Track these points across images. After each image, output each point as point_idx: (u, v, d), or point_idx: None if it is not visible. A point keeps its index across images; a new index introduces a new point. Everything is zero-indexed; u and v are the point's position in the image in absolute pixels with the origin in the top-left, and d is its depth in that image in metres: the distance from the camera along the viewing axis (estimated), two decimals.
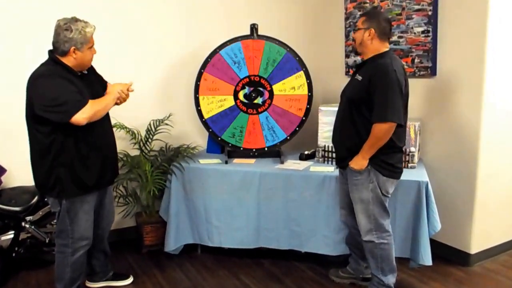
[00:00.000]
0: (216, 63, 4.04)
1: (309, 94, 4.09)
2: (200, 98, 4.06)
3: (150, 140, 4.15)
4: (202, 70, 4.05)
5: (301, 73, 4.06)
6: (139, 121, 4.24)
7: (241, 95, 4.07)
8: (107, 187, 3.24)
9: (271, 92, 4.08)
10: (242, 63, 4.05)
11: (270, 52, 4.04)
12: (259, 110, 4.10)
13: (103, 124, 3.03)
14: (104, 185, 3.14)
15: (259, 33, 4.08)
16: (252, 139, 4.13)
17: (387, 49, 3.01)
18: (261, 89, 4.08)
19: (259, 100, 4.09)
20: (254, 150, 4.13)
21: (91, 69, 3.08)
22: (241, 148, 4.13)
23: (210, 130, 4.11)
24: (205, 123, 4.09)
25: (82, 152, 2.90)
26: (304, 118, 4.11)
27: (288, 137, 4.13)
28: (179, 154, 4.09)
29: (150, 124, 4.17)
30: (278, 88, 4.08)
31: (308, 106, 4.10)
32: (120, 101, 3.12)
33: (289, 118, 4.10)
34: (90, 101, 2.82)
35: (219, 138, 4.12)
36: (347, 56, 4.69)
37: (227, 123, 4.10)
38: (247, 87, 4.07)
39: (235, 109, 4.09)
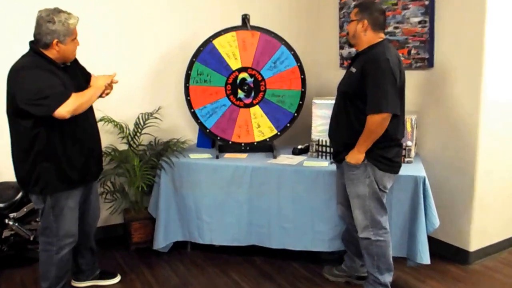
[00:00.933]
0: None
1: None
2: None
3: (138, 134, 4.08)
4: (194, 59, 3.95)
5: (295, 67, 3.98)
6: (127, 114, 4.16)
7: (241, 92, 4.01)
8: (92, 182, 3.18)
9: (260, 85, 4.00)
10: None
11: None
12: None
13: (87, 118, 2.98)
14: (90, 179, 3.10)
15: (251, 23, 3.98)
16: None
17: (381, 39, 2.94)
18: (241, 76, 3.99)
19: (250, 82, 3.99)
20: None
21: (74, 61, 3.02)
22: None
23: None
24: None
25: (66, 146, 2.85)
26: (296, 114, 4.02)
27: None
28: (169, 148, 4.01)
29: (138, 118, 4.10)
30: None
31: (300, 102, 4.01)
32: (104, 94, 3.07)
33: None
34: (74, 94, 2.76)
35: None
36: (341, 47, 4.61)
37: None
38: (238, 92, 3.99)
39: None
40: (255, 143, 4.05)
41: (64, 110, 2.68)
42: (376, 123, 2.78)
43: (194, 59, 3.94)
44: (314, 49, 4.90)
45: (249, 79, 4.00)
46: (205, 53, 3.94)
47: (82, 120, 2.90)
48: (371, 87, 2.76)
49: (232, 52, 3.96)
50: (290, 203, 3.59)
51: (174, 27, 4.34)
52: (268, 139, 4.04)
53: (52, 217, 2.92)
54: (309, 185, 3.53)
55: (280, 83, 4.00)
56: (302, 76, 3.99)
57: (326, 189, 3.49)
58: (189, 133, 4.49)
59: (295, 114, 4.01)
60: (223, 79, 3.97)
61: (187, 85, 3.96)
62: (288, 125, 4.04)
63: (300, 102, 4.01)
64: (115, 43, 4.11)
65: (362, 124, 2.85)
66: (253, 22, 4.03)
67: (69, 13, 2.81)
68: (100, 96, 3.03)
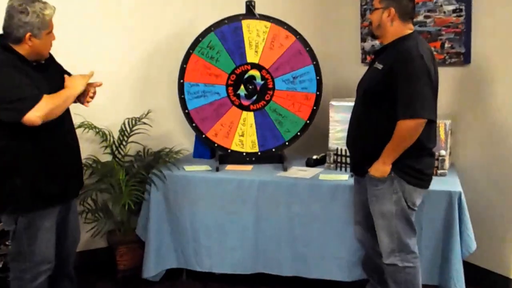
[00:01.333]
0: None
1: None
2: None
3: (124, 142, 4.19)
4: (182, 81, 4.09)
5: (311, 67, 4.13)
6: (111, 119, 4.27)
7: (245, 101, 4.15)
8: (71, 200, 3.25)
9: (267, 93, 4.15)
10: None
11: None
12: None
13: (64, 124, 3.05)
14: (68, 197, 3.17)
15: (260, 11, 4.12)
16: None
17: (411, 31, 3.05)
18: (247, 75, 4.14)
19: (259, 84, 4.13)
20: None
21: (49, 58, 3.08)
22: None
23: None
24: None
25: (40, 158, 2.91)
26: (308, 121, 4.17)
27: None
28: (160, 159, 4.13)
29: (124, 124, 4.20)
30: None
31: (314, 108, 4.15)
32: (85, 101, 3.15)
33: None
34: (45, 97, 2.81)
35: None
36: (363, 39, 4.72)
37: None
38: (239, 90, 4.14)
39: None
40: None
41: (35, 115, 2.74)
42: (409, 129, 2.87)
43: (191, 51, 4.06)
44: (331, 41, 4.97)
45: (259, 81, 4.14)
46: (228, 28, 4.07)
47: (58, 126, 2.96)
48: (403, 87, 2.85)
49: (256, 42, 4.10)
50: (304, 223, 3.70)
51: (167, 15, 4.47)
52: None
53: (25, 240, 2.97)
54: (326, 202, 3.65)
55: (288, 102, 4.16)
56: (318, 78, 4.14)
57: (346, 207, 3.59)
58: (184, 141, 4.60)
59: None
60: (231, 65, 4.11)
61: (190, 51, 4.06)
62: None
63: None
64: (96, 36, 4.25)
65: (389, 130, 2.93)
66: (260, 9, 4.15)
67: (44, 2, 2.87)
68: (80, 102, 3.13)
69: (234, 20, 4.08)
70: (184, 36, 4.36)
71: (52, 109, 2.82)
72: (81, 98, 3.16)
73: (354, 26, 4.82)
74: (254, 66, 4.12)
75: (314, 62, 4.13)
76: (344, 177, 3.77)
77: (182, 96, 4.10)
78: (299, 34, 4.13)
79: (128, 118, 4.25)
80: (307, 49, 4.13)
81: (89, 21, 4.21)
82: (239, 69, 4.12)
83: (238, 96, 4.15)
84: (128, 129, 4.19)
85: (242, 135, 4.17)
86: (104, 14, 4.27)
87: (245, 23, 4.08)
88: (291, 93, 4.15)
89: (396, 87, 2.87)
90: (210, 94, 4.12)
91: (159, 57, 4.50)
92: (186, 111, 4.12)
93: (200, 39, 4.07)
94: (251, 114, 4.17)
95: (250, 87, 4.15)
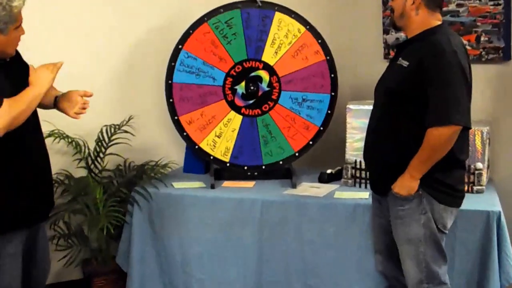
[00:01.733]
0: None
1: (332, 94, 4.23)
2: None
3: (102, 154, 4.24)
4: (180, 46, 4.18)
5: (314, 127, 4.26)
6: (86, 127, 4.25)
7: (240, 101, 4.25)
8: (39, 223, 3.28)
9: (268, 67, 4.23)
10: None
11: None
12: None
13: (32, 134, 3.09)
14: (36, 220, 3.20)
15: None
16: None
17: (440, 22, 3.11)
18: (254, 74, 4.23)
19: (263, 88, 4.23)
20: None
21: (15, 56, 3.12)
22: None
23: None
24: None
25: (5, 174, 2.96)
26: (321, 128, 4.25)
27: (297, 154, 4.27)
28: (144, 174, 4.20)
29: (102, 132, 4.26)
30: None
31: (329, 112, 4.24)
32: (74, 111, 3.17)
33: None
34: (6, 101, 2.84)
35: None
36: (385, 31, 4.74)
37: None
38: (237, 87, 4.23)
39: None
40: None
41: None
42: (442, 138, 2.91)
43: (180, 46, 4.15)
44: (348, 33, 4.97)
45: (264, 86, 4.24)
46: (257, 13, 4.19)
47: (23, 136, 2.98)
48: (435, 89, 2.90)
49: (281, 43, 4.20)
50: (316, 251, 3.77)
51: (152, 3, 4.55)
52: (281, 162, 4.27)
53: None
54: (342, 225, 3.71)
55: (285, 123, 4.26)
56: (333, 75, 4.23)
57: (367, 231, 3.65)
58: (172, 152, 4.66)
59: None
60: (243, 54, 4.21)
61: (205, 19, 4.15)
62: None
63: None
64: (67, 31, 4.33)
65: (416, 138, 2.98)
66: None
67: None
68: (64, 112, 3.17)
69: (267, 7, 4.18)
70: (173, 28, 4.41)
71: (15, 116, 2.84)
72: (63, 104, 3.19)
73: (375, 15, 4.83)
74: (267, 67, 4.22)
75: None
76: (364, 195, 3.81)
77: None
78: (330, 55, 4.23)
79: (106, 126, 4.30)
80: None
81: (59, 13, 4.29)
82: (248, 63, 4.21)
83: (234, 92, 4.23)
84: (106, 139, 4.24)
85: (219, 136, 4.25)
86: (76, 5, 4.35)
87: (278, 16, 4.18)
88: (292, 115, 4.26)
89: (426, 88, 2.92)
90: (204, 75, 4.21)
91: (143, 53, 4.58)
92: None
93: (222, 10, 4.16)
94: (239, 118, 4.26)
95: (252, 87, 4.24)
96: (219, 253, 3.91)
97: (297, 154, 4.26)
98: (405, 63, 3.05)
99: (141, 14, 4.55)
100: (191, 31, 4.16)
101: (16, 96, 2.91)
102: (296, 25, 4.20)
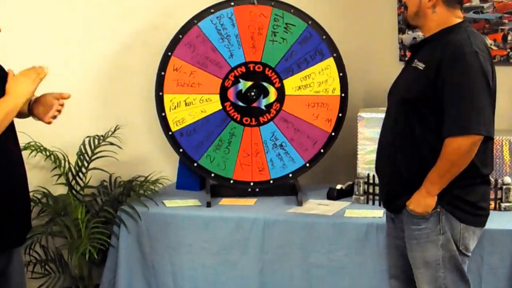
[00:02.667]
0: (193, 41, 4.20)
1: (342, 95, 4.24)
2: (166, 98, 4.21)
3: (84, 169, 4.26)
4: (170, 53, 4.20)
5: (330, 60, 4.23)
6: (67, 139, 4.33)
7: (231, 94, 4.24)
8: (13, 248, 3.28)
9: (280, 91, 4.25)
10: (234, 42, 4.22)
11: (279, 26, 4.21)
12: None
13: (8, 149, 3.08)
14: (10, 245, 3.18)
15: None
16: (249, 166, 4.27)
17: (460, 20, 3.09)
18: (265, 84, 4.24)
19: (261, 103, 4.25)
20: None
21: None
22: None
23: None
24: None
25: None
26: (333, 133, 4.25)
27: (308, 164, 4.27)
28: (132, 191, 4.21)
29: (84, 144, 4.28)
30: (292, 84, 4.25)
31: (340, 115, 4.24)
32: (48, 115, 3.16)
33: (309, 133, 4.25)
34: None
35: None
36: (401, 30, 4.77)
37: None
38: (241, 81, 4.24)
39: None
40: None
41: None
42: (462, 150, 2.89)
43: (169, 53, 4.18)
44: (359, 33, 4.98)
45: (263, 103, 4.28)
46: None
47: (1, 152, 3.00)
48: (453, 94, 2.90)
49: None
50: (324, 276, 3.76)
51: (138, 5, 4.59)
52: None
53: None
54: (354, 247, 3.72)
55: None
56: (341, 74, 4.24)
57: (381, 254, 3.65)
58: (164, 166, 4.67)
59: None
60: (233, 126, 4.29)
61: (160, 93, 4.19)
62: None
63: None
64: (47, 33, 4.36)
65: (435, 149, 2.97)
66: None
67: None
68: (37, 117, 3.15)
69: (262, 3, 4.23)
70: (162, 30, 4.47)
71: None
72: (38, 109, 3.18)
73: (389, 13, 4.85)
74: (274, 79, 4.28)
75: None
76: (378, 213, 3.82)
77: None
78: (337, 52, 4.26)
79: (89, 137, 4.32)
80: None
81: (37, 15, 4.32)
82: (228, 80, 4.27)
83: (235, 83, 4.27)
84: (89, 152, 4.27)
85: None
86: (56, 7, 4.38)
87: (276, 12, 4.23)
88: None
89: (444, 93, 2.91)
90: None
91: (130, 57, 4.59)
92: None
93: (212, 10, 4.21)
94: (270, 126, 4.33)
95: (253, 95, 4.27)
96: (216, 280, 3.91)
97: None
98: (421, 66, 3.04)
99: (127, 16, 4.59)
100: (180, 36, 4.19)
101: None
102: (297, 21, 4.22)
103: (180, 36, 4.19)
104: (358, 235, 3.71)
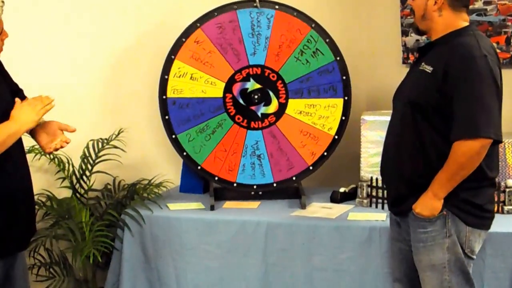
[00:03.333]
0: (225, 24, 4.22)
1: (346, 98, 4.25)
2: (176, 63, 4.22)
3: (88, 172, 4.26)
4: (173, 57, 4.21)
5: (339, 101, 4.28)
6: (71, 142, 4.23)
7: (236, 88, 4.27)
8: (17, 252, 3.26)
9: (282, 107, 4.29)
10: (262, 42, 4.25)
11: (309, 48, 4.25)
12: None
13: (12, 152, 3.07)
14: (13, 249, 3.18)
15: None
16: (221, 161, 4.30)
17: (466, 23, 3.10)
18: (271, 94, 4.27)
19: (259, 109, 4.27)
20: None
21: None
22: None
23: (167, 117, 4.25)
24: (164, 102, 4.23)
25: None
26: (336, 136, 4.26)
27: (311, 167, 4.27)
28: (136, 194, 4.21)
29: (88, 147, 4.28)
30: (296, 106, 4.29)
31: (343, 118, 4.25)
32: (49, 147, 3.18)
33: (290, 157, 4.29)
34: None
35: (173, 136, 4.26)
36: (404, 33, 4.76)
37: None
38: (252, 81, 4.25)
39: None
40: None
41: None
42: (471, 153, 2.89)
43: (198, 24, 4.21)
44: (361, 35, 5.00)
45: (249, 83, 4.28)
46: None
47: (4, 158, 2.99)
48: (462, 97, 2.89)
49: (198, 83, 4.26)
50: (328, 280, 3.76)
51: (144, 5, 4.59)
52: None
53: None
54: (357, 250, 3.71)
55: (284, 48, 4.27)
56: (345, 77, 4.25)
57: (385, 257, 3.65)
58: (168, 169, 4.67)
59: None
60: (224, 117, 4.29)
61: (172, 57, 4.20)
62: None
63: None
64: (50, 35, 4.35)
65: (442, 153, 2.97)
66: None
67: None
68: (39, 144, 3.19)
69: (266, 6, 4.24)
70: (165, 32, 4.46)
71: None
72: (41, 136, 3.20)
73: (392, 16, 4.84)
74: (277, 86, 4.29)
75: (346, 98, 4.26)
76: (381, 216, 3.81)
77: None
78: (340, 55, 4.26)
79: (93, 140, 4.32)
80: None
81: (40, 17, 4.30)
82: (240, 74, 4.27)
83: (245, 80, 4.28)
84: (93, 155, 4.26)
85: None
86: (59, 10, 4.37)
87: (279, 15, 4.24)
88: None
89: (452, 96, 2.91)
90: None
91: (134, 60, 4.58)
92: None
93: (216, 14, 4.21)
94: (242, 131, 4.33)
95: (256, 98, 4.27)
96: (219, 283, 3.91)
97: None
98: (429, 69, 3.04)
99: (131, 19, 4.59)
100: (183, 39, 4.19)
101: None
102: (327, 51, 4.25)
103: (183, 40, 4.20)
104: (361, 238, 3.70)
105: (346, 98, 4.25)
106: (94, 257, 3.90)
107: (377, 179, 4.00)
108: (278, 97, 4.26)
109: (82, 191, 4.26)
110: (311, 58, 4.24)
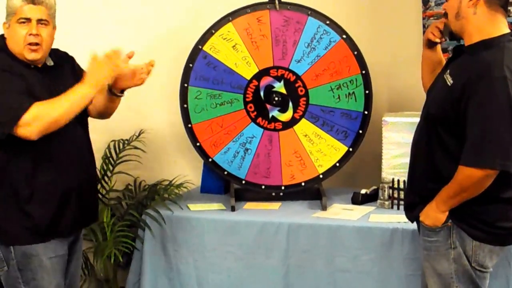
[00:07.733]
0: (292, 22, 4.21)
1: (365, 112, 4.21)
2: (195, 127, 4.21)
3: (109, 173, 4.29)
4: (200, 47, 4.20)
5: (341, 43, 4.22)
6: (92, 143, 4.27)
7: (264, 82, 4.26)
8: (79, 234, 3.37)
9: (293, 122, 4.27)
10: (312, 57, 4.25)
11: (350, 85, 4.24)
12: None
13: (69, 133, 3.12)
14: (73, 228, 3.26)
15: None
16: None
17: (504, 32, 2.92)
18: (290, 105, 4.25)
19: (271, 111, 4.26)
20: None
21: (66, 59, 3.30)
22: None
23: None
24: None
25: (35, 176, 3.04)
26: (351, 149, 4.24)
27: (338, 164, 4.25)
28: (157, 195, 4.21)
29: (109, 148, 4.31)
30: (307, 129, 4.29)
31: (365, 112, 4.22)
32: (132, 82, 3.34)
33: (271, 168, 4.26)
34: (36, 104, 2.90)
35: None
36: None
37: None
38: (281, 83, 4.24)
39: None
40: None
41: (26, 131, 2.87)
42: (473, 180, 2.82)
43: (186, 84, 4.21)
44: (381, 35, 4.93)
45: (278, 84, 4.23)
46: (199, 68, 4.22)
47: (61, 137, 3.06)
48: (474, 121, 2.78)
49: (236, 55, 4.23)
50: (350, 282, 3.74)
51: (166, 6, 4.59)
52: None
53: (21, 284, 3.08)
54: (379, 252, 3.70)
55: (326, 74, 4.24)
56: (364, 72, 4.21)
57: (407, 259, 3.63)
58: (188, 170, 4.68)
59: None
60: (238, 97, 4.24)
61: (189, 125, 4.22)
62: (338, 164, 4.24)
63: (366, 112, 4.22)
64: (69, 37, 4.31)
65: (450, 169, 2.90)
66: None
67: None
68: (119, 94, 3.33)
69: (196, 55, 4.23)
70: (190, 30, 4.43)
71: (51, 121, 2.92)
72: (122, 83, 3.36)
73: (414, 16, 4.80)
74: (259, 75, 4.25)
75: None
76: (403, 218, 3.66)
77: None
78: (366, 69, 4.23)
79: (114, 141, 4.35)
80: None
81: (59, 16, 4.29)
82: (249, 94, 4.25)
83: (275, 119, 4.27)
84: (114, 156, 4.29)
85: (320, 151, 4.29)
86: (80, 8, 4.41)
87: (207, 47, 4.23)
88: (320, 63, 4.26)
89: (465, 116, 2.81)
90: (248, 144, 4.27)
91: (155, 58, 4.55)
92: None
93: (249, 10, 4.21)
94: (304, 122, 4.29)
95: (276, 98, 4.24)
96: (241, 284, 3.91)
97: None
98: (449, 81, 2.93)
99: (152, 19, 4.61)
100: (213, 31, 4.19)
101: (53, 99, 2.98)
102: (221, 31, 4.23)
103: (248, 11, 4.20)
104: (383, 240, 3.69)
105: (350, 149, 4.23)
106: (115, 257, 3.94)
107: (398, 181, 3.98)
108: (294, 111, 4.25)
109: (104, 192, 4.28)
110: (344, 97, 4.23)
